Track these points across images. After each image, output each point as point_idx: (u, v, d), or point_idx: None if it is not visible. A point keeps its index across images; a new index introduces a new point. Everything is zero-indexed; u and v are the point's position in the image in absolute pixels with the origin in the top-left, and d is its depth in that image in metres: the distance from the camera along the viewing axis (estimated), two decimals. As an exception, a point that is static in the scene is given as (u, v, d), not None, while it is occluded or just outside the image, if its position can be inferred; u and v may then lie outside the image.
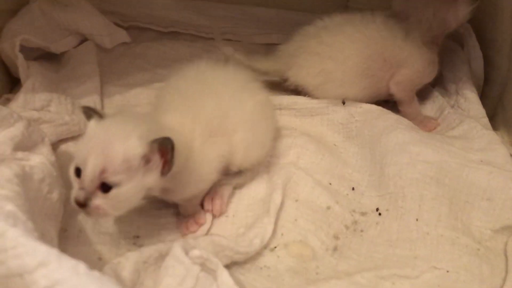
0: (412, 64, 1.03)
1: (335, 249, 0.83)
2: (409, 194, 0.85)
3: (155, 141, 0.67)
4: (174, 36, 1.27)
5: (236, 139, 0.83)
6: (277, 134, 0.98)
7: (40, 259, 0.51)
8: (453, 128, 0.99)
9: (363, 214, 0.89)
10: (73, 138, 0.97)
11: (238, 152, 0.84)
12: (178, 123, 0.77)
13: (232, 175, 0.88)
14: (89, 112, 0.70)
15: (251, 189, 0.91)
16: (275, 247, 0.82)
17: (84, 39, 1.17)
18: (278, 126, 1.01)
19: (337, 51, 1.03)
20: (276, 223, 0.84)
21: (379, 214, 0.87)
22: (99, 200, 0.67)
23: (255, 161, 0.88)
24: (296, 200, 0.89)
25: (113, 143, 0.66)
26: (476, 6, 1.01)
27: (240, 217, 0.87)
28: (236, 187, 0.91)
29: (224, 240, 0.77)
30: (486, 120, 1.00)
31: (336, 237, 0.85)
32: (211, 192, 0.86)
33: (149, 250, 0.76)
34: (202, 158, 0.78)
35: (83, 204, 0.66)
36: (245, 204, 0.89)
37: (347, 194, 0.92)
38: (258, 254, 0.80)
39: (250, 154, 0.86)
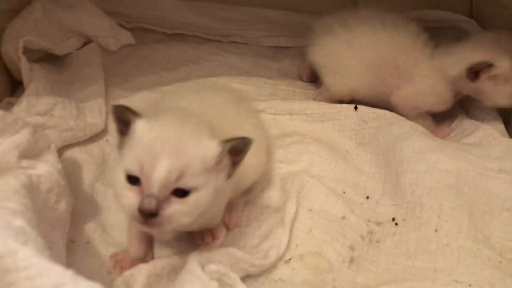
0: (418, 84, 1.00)
1: (351, 260, 0.81)
2: (427, 203, 0.83)
3: (229, 141, 0.63)
4: (180, 38, 1.24)
5: None
6: (270, 149, 0.96)
7: (54, 281, 0.48)
8: (468, 135, 0.97)
9: (378, 224, 0.86)
10: (78, 144, 0.94)
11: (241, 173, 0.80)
12: None
13: (241, 193, 0.86)
14: (123, 112, 0.63)
15: (263, 198, 0.89)
16: (290, 259, 0.79)
17: (88, 41, 1.14)
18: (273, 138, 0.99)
19: (356, 38, 1.02)
20: (290, 234, 0.82)
21: (396, 224, 0.85)
22: (175, 207, 0.60)
23: (253, 180, 0.86)
24: (310, 210, 0.86)
25: (189, 144, 0.60)
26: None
27: (253, 227, 0.84)
28: (248, 201, 0.88)
29: (239, 252, 0.74)
30: (502, 127, 0.99)
31: (352, 248, 0.82)
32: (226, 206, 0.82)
33: (162, 263, 0.74)
34: None
35: (154, 214, 0.59)
36: (257, 213, 0.87)
37: (362, 203, 0.90)
38: (272, 266, 0.77)
39: (249, 173, 0.82)
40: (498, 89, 0.91)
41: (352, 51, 1.02)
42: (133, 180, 0.60)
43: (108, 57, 1.15)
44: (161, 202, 0.59)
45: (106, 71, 1.10)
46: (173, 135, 0.61)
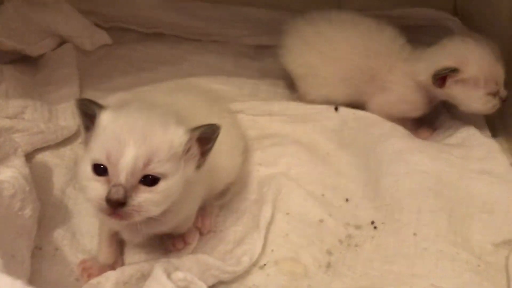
0: (391, 92, 0.97)
1: (328, 265, 0.79)
2: (406, 206, 0.81)
3: (196, 129, 0.62)
4: (158, 38, 1.21)
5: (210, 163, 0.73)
6: (246, 151, 0.93)
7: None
8: (450, 136, 0.95)
9: (357, 227, 0.84)
10: (50, 147, 0.91)
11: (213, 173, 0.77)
12: None
13: (215, 196, 0.84)
14: (88, 105, 0.62)
15: (240, 201, 0.87)
16: (265, 265, 0.77)
17: (63, 41, 1.11)
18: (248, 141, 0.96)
19: (331, 50, 0.98)
20: (266, 239, 0.80)
21: (375, 227, 0.83)
22: (143, 196, 0.58)
23: (226, 182, 0.84)
24: (287, 213, 0.84)
25: (155, 131, 0.60)
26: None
27: (227, 232, 0.82)
28: (223, 205, 0.86)
29: (210, 258, 0.72)
30: (485, 127, 0.96)
31: (329, 253, 0.80)
32: (199, 209, 0.80)
33: (131, 270, 0.71)
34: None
35: (122, 203, 0.57)
36: (233, 218, 0.85)
37: (341, 206, 0.88)
38: (246, 272, 0.76)
39: (222, 175, 0.81)
40: (469, 94, 0.88)
41: (326, 63, 0.99)
42: (99, 170, 0.59)
43: (84, 58, 1.12)
44: (129, 191, 0.58)
45: (82, 72, 1.07)
46: (140, 122, 0.60)
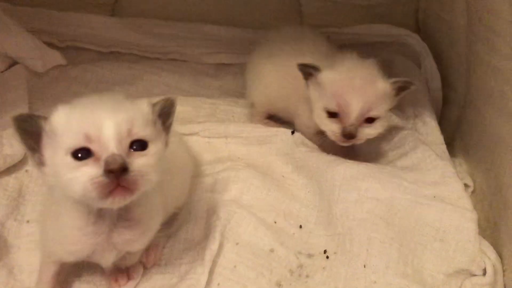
0: (299, 117, 0.98)
1: (277, 299, 0.76)
2: (357, 236, 0.78)
3: (156, 103, 0.63)
4: (115, 57, 1.18)
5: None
6: (197, 175, 0.92)
7: None
8: (406, 154, 0.93)
9: (309, 256, 0.81)
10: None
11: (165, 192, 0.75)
12: None
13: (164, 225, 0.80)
14: (28, 121, 0.58)
15: (187, 232, 0.84)
16: (210, 300, 0.74)
17: (14, 63, 1.07)
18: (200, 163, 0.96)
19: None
20: (212, 271, 0.77)
21: (327, 257, 0.80)
22: (141, 160, 0.57)
23: (178, 202, 0.82)
24: (237, 243, 0.81)
25: (123, 103, 0.60)
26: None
27: (173, 265, 0.79)
28: (170, 235, 0.83)
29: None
30: (444, 147, 0.95)
31: (278, 285, 0.78)
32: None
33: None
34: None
35: (124, 169, 0.55)
36: (180, 250, 0.81)
37: (294, 234, 0.85)
38: (190, 309, 0.72)
39: (170, 197, 0.77)
40: (316, 100, 0.88)
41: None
42: (83, 154, 0.56)
43: (36, 80, 1.09)
44: (125, 158, 0.56)
45: (33, 95, 1.04)
46: (101, 103, 0.59)
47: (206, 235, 0.81)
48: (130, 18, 1.21)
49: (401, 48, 1.14)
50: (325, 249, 0.82)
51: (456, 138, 1.02)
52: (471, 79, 0.94)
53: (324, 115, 0.86)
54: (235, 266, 0.79)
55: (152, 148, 0.59)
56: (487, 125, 0.87)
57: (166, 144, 0.64)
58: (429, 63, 1.08)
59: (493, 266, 0.76)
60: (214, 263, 0.77)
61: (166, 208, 0.77)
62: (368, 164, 0.89)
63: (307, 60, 0.88)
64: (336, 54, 0.93)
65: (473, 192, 0.90)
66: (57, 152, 0.57)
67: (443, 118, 1.08)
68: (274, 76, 1.00)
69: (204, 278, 0.74)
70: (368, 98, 0.83)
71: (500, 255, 0.78)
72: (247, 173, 0.91)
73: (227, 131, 1.00)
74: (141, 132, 0.58)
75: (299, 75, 0.89)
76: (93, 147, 0.56)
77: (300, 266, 0.80)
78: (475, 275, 0.76)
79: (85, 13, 1.21)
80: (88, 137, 0.55)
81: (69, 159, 0.56)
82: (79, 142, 0.56)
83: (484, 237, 0.80)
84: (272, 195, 0.90)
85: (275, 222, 0.86)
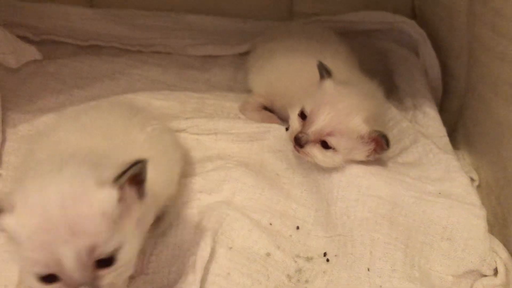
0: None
1: (275, 307, 0.70)
2: (359, 237, 0.73)
3: (120, 176, 0.54)
4: (95, 51, 1.10)
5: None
6: (186, 159, 0.87)
7: None
8: (406, 149, 0.88)
9: (308, 259, 0.76)
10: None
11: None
12: None
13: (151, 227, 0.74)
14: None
15: (176, 237, 0.78)
16: (202, 311, 0.69)
17: (-16, 58, 1.00)
18: (186, 152, 0.90)
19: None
20: (204, 280, 0.71)
21: (327, 260, 0.75)
22: (110, 277, 0.54)
23: (165, 194, 0.75)
24: (230, 248, 0.76)
25: (79, 212, 0.52)
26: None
27: (161, 274, 0.73)
28: (158, 237, 0.77)
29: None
30: (446, 139, 0.90)
31: (276, 291, 0.72)
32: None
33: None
34: None
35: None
36: (168, 256, 0.75)
37: (291, 236, 0.79)
38: (181, 321, 0.67)
39: (160, 186, 0.70)
40: None
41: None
42: (48, 279, 0.52)
43: (8, 76, 1.01)
44: (93, 280, 0.53)
45: (6, 93, 0.96)
46: (56, 209, 0.51)
47: (197, 240, 0.75)
48: (110, 9, 1.14)
49: (397, 36, 1.09)
50: (325, 251, 0.76)
51: (458, 129, 0.97)
52: (473, 66, 0.89)
53: (299, 111, 0.83)
54: (228, 273, 0.73)
55: (120, 258, 0.55)
56: (492, 115, 0.82)
57: (141, 195, 0.58)
58: (427, 50, 1.03)
59: (505, 265, 0.71)
60: (206, 271, 0.71)
61: (157, 201, 0.71)
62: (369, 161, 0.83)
63: (327, 61, 0.84)
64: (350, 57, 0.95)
65: (478, 186, 0.85)
66: (24, 267, 0.54)
67: (443, 109, 1.03)
68: (282, 65, 0.96)
69: (195, 287, 0.68)
70: (338, 124, 0.77)
71: (511, 253, 0.73)
72: (239, 172, 0.85)
73: (217, 127, 0.93)
74: (106, 249, 0.53)
75: (306, 70, 0.88)
76: (58, 273, 0.52)
77: (299, 270, 0.75)
78: (486, 276, 0.71)
79: (61, 4, 1.14)
80: (48, 265, 0.52)
81: (34, 280, 0.53)
82: (44, 270, 0.52)
83: (492, 234, 0.76)
84: (266, 194, 0.84)
85: (271, 224, 0.80)
